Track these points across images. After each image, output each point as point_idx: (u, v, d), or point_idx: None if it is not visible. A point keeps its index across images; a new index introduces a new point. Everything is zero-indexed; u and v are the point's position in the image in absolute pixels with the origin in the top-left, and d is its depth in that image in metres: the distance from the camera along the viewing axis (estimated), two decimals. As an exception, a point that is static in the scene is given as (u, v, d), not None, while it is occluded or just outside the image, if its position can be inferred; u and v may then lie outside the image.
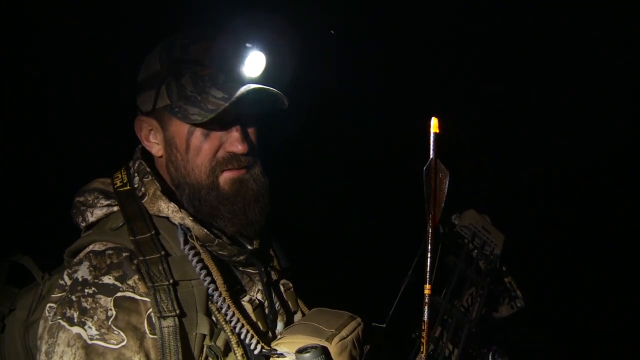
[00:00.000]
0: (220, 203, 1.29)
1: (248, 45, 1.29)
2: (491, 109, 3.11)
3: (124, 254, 1.19)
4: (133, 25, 2.42)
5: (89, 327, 1.11)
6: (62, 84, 2.40)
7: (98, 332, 1.11)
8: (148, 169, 1.32)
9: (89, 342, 1.10)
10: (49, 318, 1.17)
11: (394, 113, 3.20)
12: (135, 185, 1.32)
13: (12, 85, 2.26)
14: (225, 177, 1.29)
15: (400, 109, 3.15)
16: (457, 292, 1.82)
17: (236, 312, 1.21)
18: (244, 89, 1.22)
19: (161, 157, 1.33)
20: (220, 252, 1.30)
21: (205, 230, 1.27)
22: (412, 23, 3.10)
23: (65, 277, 1.21)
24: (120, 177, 1.35)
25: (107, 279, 1.15)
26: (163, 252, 1.19)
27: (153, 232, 1.22)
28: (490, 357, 1.78)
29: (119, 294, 1.14)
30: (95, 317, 1.12)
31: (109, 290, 1.14)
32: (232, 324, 1.20)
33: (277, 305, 1.42)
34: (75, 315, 1.12)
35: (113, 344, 1.10)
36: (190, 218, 1.27)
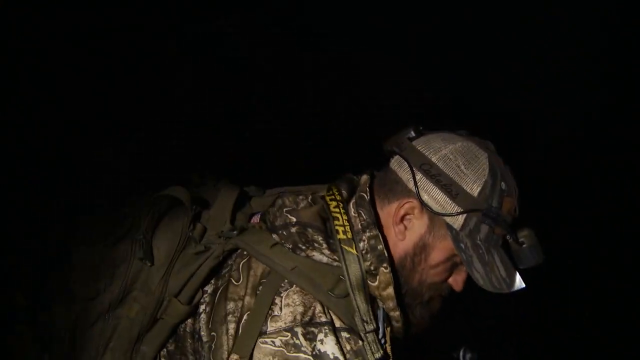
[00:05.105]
0: (420, 316, 1.33)
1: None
2: (491, 102, 3.07)
3: (359, 342, 1.19)
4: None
5: None
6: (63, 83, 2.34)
7: None
8: (385, 251, 1.23)
9: None
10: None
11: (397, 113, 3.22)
12: (361, 248, 1.23)
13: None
14: (435, 300, 1.34)
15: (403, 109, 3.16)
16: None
17: None
18: (519, 284, 1.25)
19: (402, 240, 1.29)
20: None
21: (403, 326, 1.31)
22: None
23: (301, 337, 1.14)
24: (340, 220, 1.24)
25: None
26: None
27: (375, 327, 1.20)
28: (460, 355, 1.83)
29: None
30: None
31: None
32: None
33: None
34: None
35: None
36: (398, 312, 1.27)
